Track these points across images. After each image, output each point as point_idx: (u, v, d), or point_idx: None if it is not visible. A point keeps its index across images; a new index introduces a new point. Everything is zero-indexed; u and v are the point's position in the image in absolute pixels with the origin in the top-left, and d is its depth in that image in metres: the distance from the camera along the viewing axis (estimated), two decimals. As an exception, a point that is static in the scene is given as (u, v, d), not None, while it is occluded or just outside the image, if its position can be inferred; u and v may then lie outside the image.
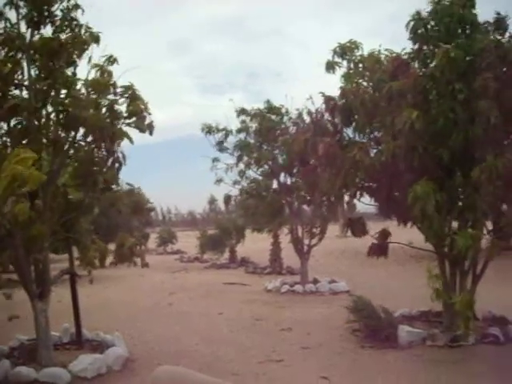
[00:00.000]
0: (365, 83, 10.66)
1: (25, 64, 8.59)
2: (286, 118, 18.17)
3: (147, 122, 9.25)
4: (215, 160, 19.60)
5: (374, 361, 9.24)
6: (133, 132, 9.24)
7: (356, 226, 11.14)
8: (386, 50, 10.43)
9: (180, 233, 44.03)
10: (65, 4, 8.55)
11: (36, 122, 8.62)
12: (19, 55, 8.57)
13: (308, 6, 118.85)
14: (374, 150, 10.50)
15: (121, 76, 9.07)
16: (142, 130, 9.29)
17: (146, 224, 36.09)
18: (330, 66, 11.11)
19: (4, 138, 8.78)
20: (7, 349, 9.45)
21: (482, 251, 9.72)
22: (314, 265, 20.50)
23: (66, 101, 8.79)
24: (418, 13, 10.03)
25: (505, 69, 9.45)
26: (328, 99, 10.95)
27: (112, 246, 10.05)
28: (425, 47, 10.15)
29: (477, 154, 9.49)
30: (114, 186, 9.54)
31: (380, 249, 11.03)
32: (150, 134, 9.34)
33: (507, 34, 9.83)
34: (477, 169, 8.94)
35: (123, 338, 9.97)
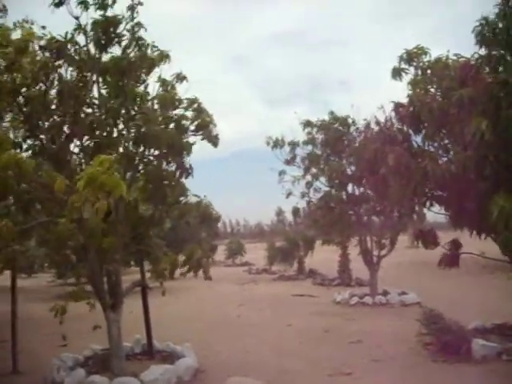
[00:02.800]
0: (433, 90, 10.47)
1: (95, 84, 8.89)
2: (352, 128, 18.04)
3: (213, 134, 9.41)
4: (282, 173, 19.65)
5: (446, 375, 9.01)
6: (200, 146, 9.42)
7: (427, 237, 10.92)
8: (455, 55, 10.22)
9: (248, 245, 44.25)
10: (129, 25, 8.79)
11: (108, 139, 8.89)
12: (90, 75, 8.88)
13: (370, 13, 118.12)
14: (444, 159, 10.29)
15: (187, 91, 9.30)
16: (211, 143, 9.45)
17: (214, 236, 36.41)
18: (397, 73, 10.98)
19: (78, 155, 9.09)
20: (82, 358, 9.75)
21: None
22: (383, 276, 20.20)
23: (137, 117, 9.05)
24: (485, 18, 9.77)
25: None
26: (398, 106, 10.80)
27: (180, 258, 10.18)
28: (494, 52, 9.88)
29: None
30: (182, 199, 9.69)
31: (451, 259, 10.77)
32: (215, 146, 9.49)
33: None
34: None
35: (193, 349, 10.09)
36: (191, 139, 9.40)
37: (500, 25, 9.64)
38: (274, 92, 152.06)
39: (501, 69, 9.71)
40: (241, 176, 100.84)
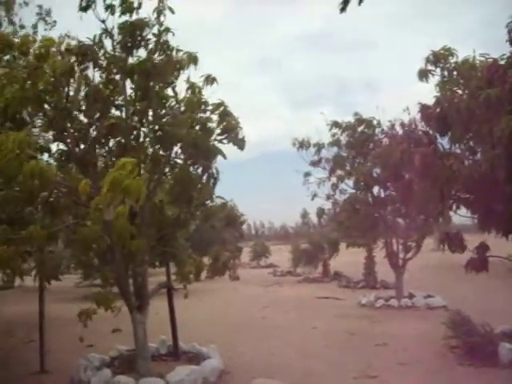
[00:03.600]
0: (460, 91, 10.39)
1: (122, 86, 8.98)
2: (378, 130, 17.96)
3: (239, 137, 9.43)
4: (307, 175, 19.65)
5: (473, 379, 8.92)
6: (226, 148, 9.44)
7: (453, 240, 10.82)
8: (482, 55, 10.13)
9: (273, 247, 44.25)
10: (156, 28, 8.86)
11: (134, 141, 8.97)
12: (117, 78, 8.97)
13: (396, 15, 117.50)
14: (470, 161, 10.21)
15: (213, 93, 9.32)
16: (238, 146, 9.47)
17: (239, 238, 36.50)
18: (424, 74, 10.91)
19: (104, 157, 9.19)
20: (108, 358, 9.84)
21: None
22: (408, 279, 20.06)
23: (163, 120, 9.12)
24: None
25: None
26: (424, 108, 10.73)
27: (206, 260, 10.25)
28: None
29: None
30: (208, 202, 9.73)
31: (479, 263, 10.65)
32: (242, 148, 9.50)
33: None
34: None
35: (218, 351, 10.13)
36: (219, 143, 9.42)
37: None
38: (299, 94, 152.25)
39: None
40: (266, 178, 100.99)
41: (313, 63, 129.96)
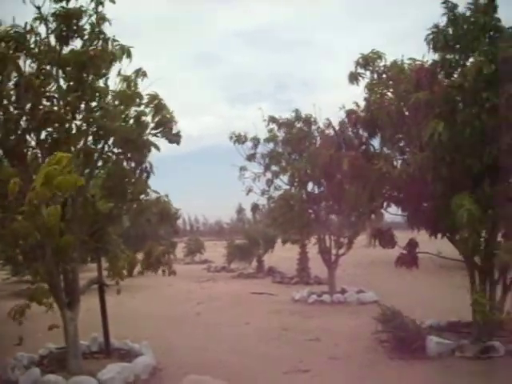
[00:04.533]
0: (389, 94, 10.61)
1: (55, 77, 8.73)
2: (314, 128, 18.11)
3: (174, 131, 9.34)
4: (243, 169, 19.65)
5: (402, 372, 9.16)
6: (161, 143, 9.35)
7: (384, 237, 11.07)
8: (410, 59, 10.38)
9: (208, 242, 44.11)
10: (93, 18, 8.66)
11: (66, 134, 8.74)
12: (49, 68, 8.72)
13: (335, 15, 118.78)
14: (400, 162, 10.46)
15: (148, 87, 9.19)
16: (172, 140, 9.39)
17: (173, 233, 36.22)
18: (354, 78, 11.13)
19: (35, 150, 8.92)
20: (37, 357, 9.59)
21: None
22: (341, 275, 20.42)
23: (96, 113, 8.93)
24: (436, 25, 9.97)
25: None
26: (350, 113, 10.92)
27: (140, 256, 10.12)
28: (448, 56, 10.08)
29: (507, 163, 9.41)
30: (142, 196, 9.60)
31: (409, 259, 10.94)
32: (177, 143, 9.43)
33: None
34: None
35: (151, 347, 10.03)
36: (153, 138, 9.31)
37: (450, 31, 9.87)
38: (238, 90, 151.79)
39: (456, 73, 9.95)
40: (203, 173, 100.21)
41: (251, 60, 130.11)
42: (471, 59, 9.70)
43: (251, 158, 19.59)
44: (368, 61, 10.96)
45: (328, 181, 15.69)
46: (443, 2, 9.91)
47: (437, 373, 9.02)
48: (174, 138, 9.31)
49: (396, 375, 9.01)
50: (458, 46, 9.87)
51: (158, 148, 9.14)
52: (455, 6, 9.86)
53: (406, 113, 9.96)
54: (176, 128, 9.37)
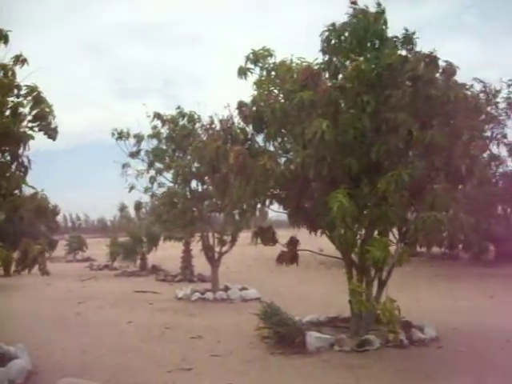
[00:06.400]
0: (276, 91, 10.79)
1: None
2: (198, 125, 18.10)
3: (53, 126, 8.99)
4: (125, 166, 19.28)
5: (282, 367, 9.35)
6: (42, 137, 8.97)
7: (265, 234, 11.23)
8: (298, 58, 10.59)
9: (90, 240, 43.06)
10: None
11: None
12: None
13: (225, 13, 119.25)
14: (284, 159, 10.65)
15: (27, 77, 8.78)
16: (49, 135, 9.04)
17: (53, 230, 35.07)
18: (243, 72, 11.19)
19: None
20: None
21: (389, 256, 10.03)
22: (225, 272, 20.54)
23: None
24: (333, 24, 10.27)
25: (411, 84, 9.82)
26: (241, 106, 11.00)
27: (16, 254, 9.67)
28: (335, 58, 10.41)
29: (384, 164, 9.85)
30: (17, 192, 9.16)
31: (290, 256, 11.17)
32: (53, 139, 9.08)
33: (414, 50, 10.20)
34: (384, 179, 9.26)
35: (27, 350, 9.60)
36: (30, 131, 8.92)
37: (346, 34, 10.19)
38: (126, 84, 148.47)
39: (340, 75, 10.29)
40: (85, 168, 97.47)
41: (142, 54, 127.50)
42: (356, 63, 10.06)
43: (134, 154, 19.26)
44: (258, 57, 11.07)
45: (213, 175, 15.74)
46: (352, 3, 10.19)
47: (315, 367, 9.29)
48: (52, 133, 8.96)
49: (276, 370, 9.19)
50: (346, 48, 10.21)
51: (33, 138, 8.74)
52: (360, 10, 10.15)
53: (291, 112, 10.14)
54: (55, 122, 9.03)
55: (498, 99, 23.35)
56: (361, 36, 10.08)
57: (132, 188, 19.34)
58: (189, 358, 9.94)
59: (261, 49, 11.19)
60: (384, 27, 10.21)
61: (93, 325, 13.48)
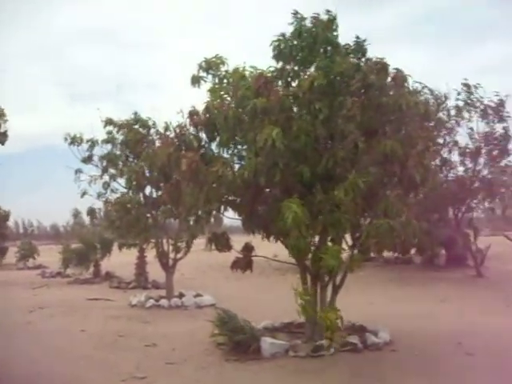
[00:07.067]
0: (229, 99, 10.82)
1: None
2: (152, 131, 18.02)
3: (2, 130, 8.83)
4: (78, 171, 19.02)
5: (238, 373, 9.36)
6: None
7: (220, 240, 11.24)
8: (251, 66, 10.65)
9: (43, 247, 42.33)
10: None
11: None
12: None
13: (182, 19, 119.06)
14: (237, 165, 10.68)
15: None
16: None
17: (3, 237, 34.40)
18: (196, 81, 11.23)
19: None
20: None
21: (342, 263, 10.15)
22: (180, 279, 20.44)
23: None
24: (283, 34, 10.36)
25: (363, 91, 9.96)
26: (192, 114, 11.00)
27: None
28: (288, 66, 10.50)
29: (337, 171, 9.97)
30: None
31: (244, 262, 11.20)
32: (2, 143, 8.92)
33: (366, 58, 10.35)
34: (340, 188, 9.37)
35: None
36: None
37: (295, 42, 10.30)
38: (79, 88, 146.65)
39: (294, 83, 10.39)
40: (37, 174, 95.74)
41: (95, 58, 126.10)
42: (308, 71, 10.17)
43: (87, 160, 19.03)
44: (211, 65, 11.11)
45: (166, 182, 15.66)
46: (293, 14, 10.29)
47: (270, 372, 9.32)
48: (1, 137, 8.80)
49: (231, 377, 9.19)
50: (298, 57, 10.31)
51: None
52: (303, 18, 10.26)
53: (244, 119, 10.20)
54: (5, 127, 8.87)
55: (449, 106, 23.79)
56: (310, 43, 10.19)
57: (84, 193, 19.06)
58: (143, 366, 9.84)
59: (213, 57, 11.24)
60: (335, 33, 10.33)
61: (44, 334, 13.22)
